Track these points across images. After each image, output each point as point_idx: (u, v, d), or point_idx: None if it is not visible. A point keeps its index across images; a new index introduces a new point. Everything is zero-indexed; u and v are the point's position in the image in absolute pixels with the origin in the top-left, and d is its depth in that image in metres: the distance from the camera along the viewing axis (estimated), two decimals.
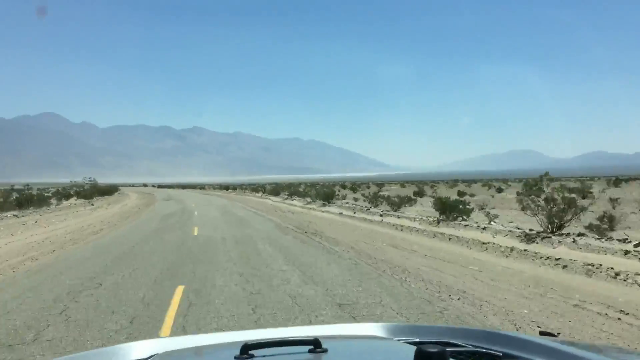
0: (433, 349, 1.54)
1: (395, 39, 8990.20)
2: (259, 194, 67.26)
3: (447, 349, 1.60)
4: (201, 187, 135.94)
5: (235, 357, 1.74)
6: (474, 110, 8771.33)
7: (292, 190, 57.57)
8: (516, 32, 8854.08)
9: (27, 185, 78.40)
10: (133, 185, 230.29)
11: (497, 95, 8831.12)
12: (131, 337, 6.23)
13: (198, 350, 2.10)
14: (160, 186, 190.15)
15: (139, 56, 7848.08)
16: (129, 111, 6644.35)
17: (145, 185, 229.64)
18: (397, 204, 31.76)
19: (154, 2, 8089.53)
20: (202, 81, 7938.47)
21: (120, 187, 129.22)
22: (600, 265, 11.01)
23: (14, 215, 30.61)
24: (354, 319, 7.20)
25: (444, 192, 53.61)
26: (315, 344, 1.81)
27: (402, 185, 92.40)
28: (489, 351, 1.93)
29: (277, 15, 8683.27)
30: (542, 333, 2.33)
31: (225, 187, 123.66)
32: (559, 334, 5.97)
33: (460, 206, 22.54)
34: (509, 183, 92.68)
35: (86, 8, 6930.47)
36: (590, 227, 17.43)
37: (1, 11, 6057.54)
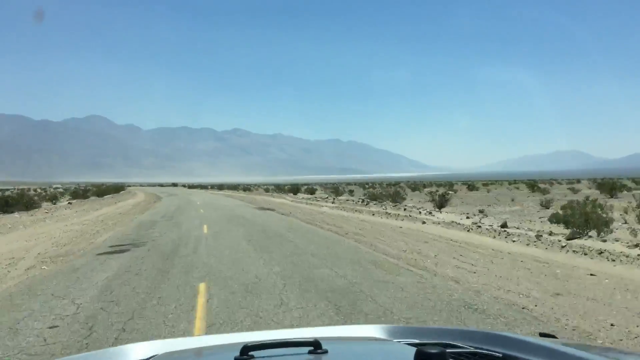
0: (433, 350, 1.56)
1: (436, 41, 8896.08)
2: (329, 201, 45.69)
3: (447, 350, 1.62)
4: (246, 187, 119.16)
5: (235, 359, 1.75)
6: (516, 110, 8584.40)
7: (366, 193, 59.03)
8: (565, 30, 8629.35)
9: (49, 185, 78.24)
10: (161, 185, 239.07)
11: (540, 94, 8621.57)
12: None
13: (198, 352, 2.13)
14: (191, 186, 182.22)
15: (183, 60, 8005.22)
16: (172, 114, 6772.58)
17: (174, 185, 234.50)
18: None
19: (196, 5, 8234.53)
20: (244, 83, 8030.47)
21: (127, 187, 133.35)
22: None
23: None
24: None
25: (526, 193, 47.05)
26: (315, 346, 1.82)
27: (470, 188, 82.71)
28: (488, 352, 1.95)
29: (317, 17, 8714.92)
30: (542, 334, 2.31)
31: (280, 188, 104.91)
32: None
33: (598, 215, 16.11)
34: (573, 185, 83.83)
35: (131, 13, 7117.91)
36: None
37: (50, 18, 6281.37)
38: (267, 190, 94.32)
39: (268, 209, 31.86)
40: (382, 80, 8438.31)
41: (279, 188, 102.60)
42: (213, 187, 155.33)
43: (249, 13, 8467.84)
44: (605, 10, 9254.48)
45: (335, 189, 77.34)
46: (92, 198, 56.75)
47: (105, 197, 61.07)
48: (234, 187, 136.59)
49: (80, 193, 61.09)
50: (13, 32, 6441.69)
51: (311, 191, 76.88)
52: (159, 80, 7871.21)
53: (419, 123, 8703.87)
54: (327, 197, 54.41)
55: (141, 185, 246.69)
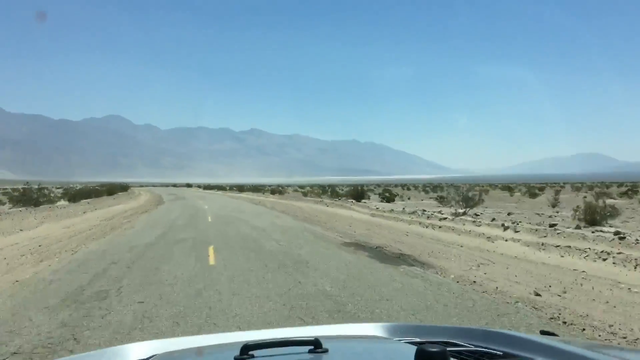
0: (434, 349, 1.55)
1: (452, 42, 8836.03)
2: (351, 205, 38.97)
3: (448, 349, 1.62)
4: (275, 189, 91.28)
5: (235, 358, 1.74)
6: (536, 111, 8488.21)
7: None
8: (588, 30, 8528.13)
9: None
10: (175, 186, 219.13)
11: (562, 95, 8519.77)
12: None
13: (198, 351, 2.11)
14: (207, 187, 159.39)
15: (200, 60, 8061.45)
16: (189, 114, 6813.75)
17: (189, 185, 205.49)
18: None
19: (214, 6, 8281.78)
20: (262, 84, 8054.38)
21: (141, 186, 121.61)
22: None
23: None
24: None
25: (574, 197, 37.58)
26: (315, 344, 1.81)
27: (491, 187, 73.69)
28: (489, 351, 1.95)
29: (336, 18, 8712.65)
30: (542, 332, 2.32)
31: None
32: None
33: None
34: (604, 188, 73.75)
35: (150, 15, 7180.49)
36: None
37: (71, 19, 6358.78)
38: (305, 194, 70.74)
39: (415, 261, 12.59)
40: (400, 80, 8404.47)
41: (324, 190, 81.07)
42: (232, 188, 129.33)
43: (267, 13, 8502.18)
44: (632, 8, 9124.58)
45: (388, 192, 63.22)
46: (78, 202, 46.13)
47: (87, 200, 49.61)
48: (256, 188, 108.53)
49: (71, 194, 51.85)
50: (34, 34, 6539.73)
51: (389, 197, 54.68)
52: (177, 80, 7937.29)
53: (435, 124, 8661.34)
54: (422, 211, 37.75)
55: (153, 186, 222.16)
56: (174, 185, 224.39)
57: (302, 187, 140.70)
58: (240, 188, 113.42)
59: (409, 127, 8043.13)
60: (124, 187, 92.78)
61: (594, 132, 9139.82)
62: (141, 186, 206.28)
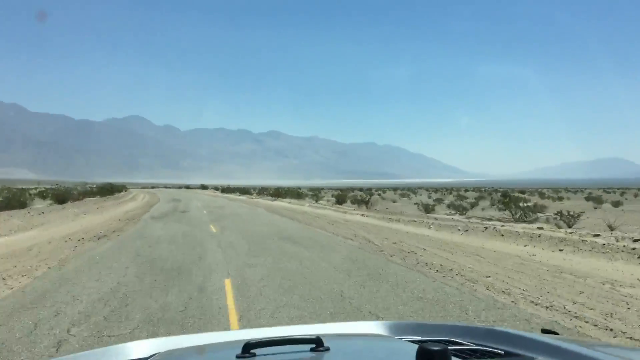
0: (435, 347, 1.55)
1: (468, 44, 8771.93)
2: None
3: (449, 347, 1.62)
4: (322, 195, 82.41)
5: (237, 356, 1.75)
6: (554, 115, 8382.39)
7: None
8: (607, 34, 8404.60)
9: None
10: (188, 187, 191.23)
11: (579, 99, 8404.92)
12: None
13: (200, 350, 2.12)
14: (225, 189, 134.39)
15: (220, 62, 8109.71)
16: (209, 115, 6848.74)
17: (204, 187, 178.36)
18: None
19: (233, 8, 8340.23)
20: (281, 86, 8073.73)
21: (127, 188, 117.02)
22: None
23: None
24: None
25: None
26: (317, 343, 1.82)
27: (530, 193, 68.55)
28: (491, 349, 1.97)
29: (355, 19, 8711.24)
30: (544, 331, 2.34)
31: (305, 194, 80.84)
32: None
33: None
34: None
35: (170, 16, 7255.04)
36: None
37: (93, 20, 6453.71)
38: (354, 201, 55.02)
39: None
40: (418, 84, 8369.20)
41: (409, 195, 58.89)
42: (261, 191, 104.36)
43: (286, 15, 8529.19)
44: None
45: (462, 206, 45.91)
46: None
47: (63, 205, 42.47)
48: (281, 191, 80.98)
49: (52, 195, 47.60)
50: (59, 35, 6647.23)
51: (462, 207, 44.37)
52: (197, 82, 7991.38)
53: (453, 128, 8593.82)
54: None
55: (165, 187, 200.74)
56: (187, 187, 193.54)
57: (317, 189, 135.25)
58: (277, 192, 78.30)
59: (427, 130, 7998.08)
60: (119, 189, 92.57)
61: (613, 136, 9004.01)
62: (152, 187, 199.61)
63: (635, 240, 16.20)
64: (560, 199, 78.40)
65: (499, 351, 1.90)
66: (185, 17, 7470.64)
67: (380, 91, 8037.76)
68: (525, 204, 37.77)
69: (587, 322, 7.62)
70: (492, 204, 52.99)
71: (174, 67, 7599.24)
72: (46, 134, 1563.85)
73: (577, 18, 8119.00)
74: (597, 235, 18.45)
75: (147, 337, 5.76)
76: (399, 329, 2.36)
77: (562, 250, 15.76)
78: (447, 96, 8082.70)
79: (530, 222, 28.16)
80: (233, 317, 7.82)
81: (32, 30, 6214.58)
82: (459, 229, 22.65)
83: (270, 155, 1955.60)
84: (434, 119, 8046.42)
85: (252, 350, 1.75)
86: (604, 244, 15.75)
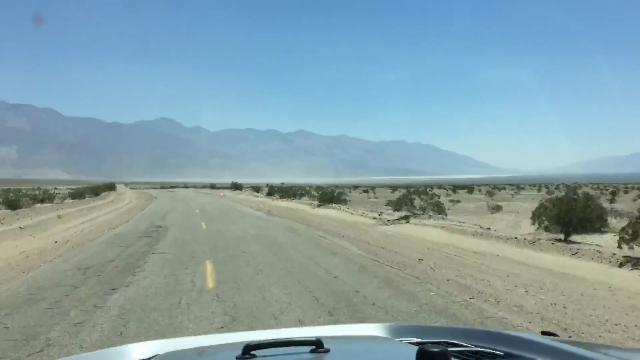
0: (435, 349, 1.54)
1: (502, 39, 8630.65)
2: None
3: (449, 349, 1.62)
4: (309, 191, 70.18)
5: (236, 358, 1.75)
6: (589, 110, 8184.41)
7: None
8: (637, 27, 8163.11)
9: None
10: (213, 187, 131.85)
11: (615, 92, 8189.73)
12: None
13: (199, 351, 2.11)
14: (256, 187, 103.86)
15: (248, 63, 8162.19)
16: (238, 116, 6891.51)
17: (237, 186, 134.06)
18: None
19: (261, 8, 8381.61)
20: (309, 85, 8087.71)
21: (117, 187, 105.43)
22: None
23: None
24: None
25: None
26: (317, 345, 1.81)
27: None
28: (490, 351, 1.96)
29: (381, 18, 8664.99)
30: (544, 333, 2.34)
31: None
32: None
33: None
34: None
35: (198, 19, 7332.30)
36: None
37: (125, 24, 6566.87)
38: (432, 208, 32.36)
39: None
40: (448, 80, 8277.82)
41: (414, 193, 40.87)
42: (284, 190, 71.90)
43: (312, 15, 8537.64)
44: None
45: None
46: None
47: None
48: (333, 194, 47.38)
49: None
50: (91, 40, 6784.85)
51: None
52: (226, 83, 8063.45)
53: (484, 123, 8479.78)
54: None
55: (186, 187, 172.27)
56: (212, 187, 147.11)
57: (372, 188, 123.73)
58: (331, 198, 45.40)
59: (458, 126, 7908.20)
60: (111, 187, 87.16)
61: None
62: (190, 186, 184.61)
63: None
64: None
65: (499, 353, 1.90)
66: (212, 19, 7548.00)
67: (409, 89, 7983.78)
68: None
69: None
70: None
71: (204, 70, 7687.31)
72: (78, 137, 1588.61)
73: (622, 8, 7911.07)
74: None
75: None
76: (398, 331, 2.36)
77: None
78: (478, 93, 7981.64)
79: None
80: None
81: (65, 36, 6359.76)
82: None
83: (298, 154, 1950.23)
84: (465, 116, 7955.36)
85: (252, 352, 1.75)
86: None
